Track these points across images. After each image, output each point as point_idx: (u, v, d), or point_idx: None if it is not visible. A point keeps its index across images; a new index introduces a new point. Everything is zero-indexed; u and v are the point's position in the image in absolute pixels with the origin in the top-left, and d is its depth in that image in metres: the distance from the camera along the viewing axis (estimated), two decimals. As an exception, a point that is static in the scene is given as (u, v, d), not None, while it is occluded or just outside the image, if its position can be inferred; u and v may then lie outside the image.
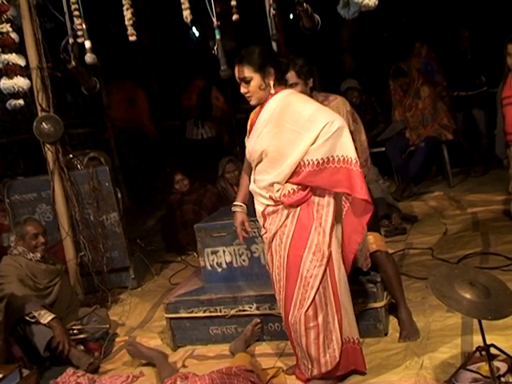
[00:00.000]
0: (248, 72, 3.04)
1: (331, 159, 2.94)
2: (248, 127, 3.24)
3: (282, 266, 3.11)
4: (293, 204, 3.04)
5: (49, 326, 3.86)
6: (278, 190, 3.05)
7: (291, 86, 3.64)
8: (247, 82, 3.06)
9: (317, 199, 3.05)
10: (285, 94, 3.12)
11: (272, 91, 3.09)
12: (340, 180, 2.97)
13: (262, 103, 3.11)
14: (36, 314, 3.88)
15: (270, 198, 3.09)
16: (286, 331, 3.25)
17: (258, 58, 3.05)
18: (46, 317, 3.88)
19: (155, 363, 3.72)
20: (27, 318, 3.89)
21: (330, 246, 3.05)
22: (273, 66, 3.08)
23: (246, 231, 3.41)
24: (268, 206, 3.11)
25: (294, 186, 3.03)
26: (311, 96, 3.65)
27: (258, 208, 3.19)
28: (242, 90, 3.10)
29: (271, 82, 3.07)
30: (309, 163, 2.96)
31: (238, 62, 3.08)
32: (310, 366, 3.15)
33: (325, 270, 3.05)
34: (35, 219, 4.52)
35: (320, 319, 3.06)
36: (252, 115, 3.24)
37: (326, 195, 3.05)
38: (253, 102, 3.12)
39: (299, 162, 2.98)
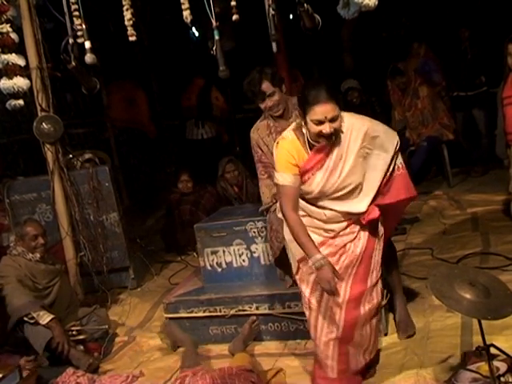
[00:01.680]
0: (336, 110, 2.82)
1: (392, 170, 3.07)
2: (302, 164, 2.94)
3: (354, 262, 3.04)
4: (372, 221, 3.04)
5: (48, 326, 3.86)
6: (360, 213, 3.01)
7: (269, 95, 3.66)
8: (334, 120, 2.83)
9: None
10: (345, 119, 2.95)
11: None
12: (399, 188, 3.07)
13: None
14: (35, 315, 3.88)
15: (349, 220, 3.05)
16: (341, 336, 3.06)
17: (335, 92, 2.88)
18: (45, 317, 3.88)
19: (184, 349, 3.74)
20: (26, 319, 3.88)
21: None
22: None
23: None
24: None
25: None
26: (287, 101, 3.70)
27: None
28: (328, 129, 2.81)
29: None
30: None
31: (324, 101, 2.77)
32: (367, 357, 3.17)
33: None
34: (35, 220, 4.52)
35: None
36: (296, 148, 2.95)
37: None
38: (332, 140, 2.88)
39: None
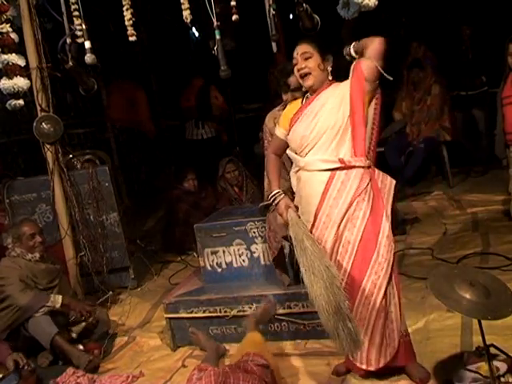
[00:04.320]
0: (310, 50, 3.04)
1: None
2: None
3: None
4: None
5: (64, 304, 3.98)
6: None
7: (293, 90, 3.64)
8: (306, 58, 3.04)
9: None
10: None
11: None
12: None
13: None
14: (49, 304, 3.92)
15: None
16: None
17: (323, 43, 3.12)
18: (58, 300, 3.99)
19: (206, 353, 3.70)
20: (41, 312, 3.92)
21: None
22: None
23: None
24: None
25: None
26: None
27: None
28: (299, 65, 3.05)
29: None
30: None
31: (301, 42, 3.09)
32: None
33: None
34: (31, 219, 4.54)
35: None
36: (297, 105, 3.16)
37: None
38: (308, 83, 3.05)
39: None
